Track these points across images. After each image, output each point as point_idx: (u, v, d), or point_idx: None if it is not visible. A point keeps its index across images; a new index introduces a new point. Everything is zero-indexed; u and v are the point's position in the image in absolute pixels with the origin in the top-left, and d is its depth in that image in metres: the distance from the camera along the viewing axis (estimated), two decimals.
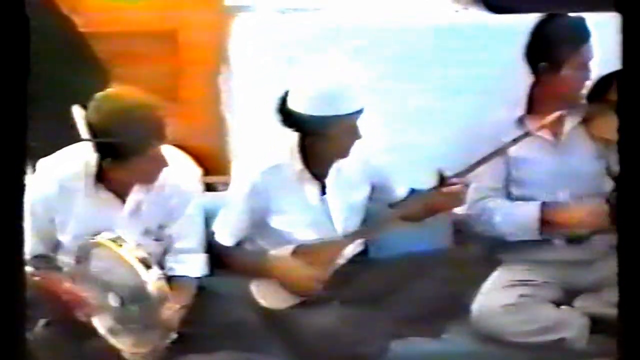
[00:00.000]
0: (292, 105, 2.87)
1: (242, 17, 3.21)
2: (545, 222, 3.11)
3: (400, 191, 3.11)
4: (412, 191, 3.11)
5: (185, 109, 3.26)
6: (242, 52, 3.23)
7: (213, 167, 3.24)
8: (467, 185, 3.00)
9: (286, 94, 2.89)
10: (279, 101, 2.89)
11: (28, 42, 0.95)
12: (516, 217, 3.13)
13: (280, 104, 2.89)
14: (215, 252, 2.96)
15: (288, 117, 2.88)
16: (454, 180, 2.96)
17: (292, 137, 2.93)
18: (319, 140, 2.90)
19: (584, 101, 3.17)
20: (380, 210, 3.10)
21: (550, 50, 3.10)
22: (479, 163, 3.01)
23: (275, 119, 2.89)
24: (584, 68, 3.10)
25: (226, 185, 3.21)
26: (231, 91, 3.28)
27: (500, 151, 3.06)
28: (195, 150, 3.00)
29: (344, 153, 2.94)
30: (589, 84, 3.13)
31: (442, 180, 2.98)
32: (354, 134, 2.87)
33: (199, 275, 2.91)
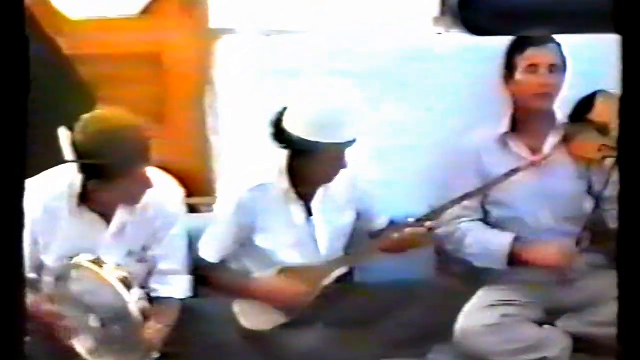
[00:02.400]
0: (287, 124, 2.89)
1: (227, 40, 3.23)
2: (513, 257, 3.15)
3: (382, 221, 3.14)
4: (392, 223, 3.13)
5: (170, 130, 3.28)
6: (226, 74, 3.24)
7: (197, 189, 3.26)
8: (439, 225, 3.03)
9: (283, 110, 2.91)
10: (275, 117, 2.91)
11: (28, 62, 0.97)
12: (486, 245, 3.17)
13: (275, 120, 2.91)
14: (199, 270, 2.97)
15: (280, 135, 2.90)
16: (428, 219, 2.98)
17: (280, 156, 2.95)
18: (307, 163, 2.92)
19: (562, 118, 3.22)
20: (362, 239, 3.13)
21: (507, 57, 3.20)
22: (464, 198, 3.04)
23: (267, 133, 2.90)
24: (535, 72, 3.15)
25: (209, 206, 3.23)
26: (216, 113, 3.29)
27: (488, 186, 3.09)
28: (180, 172, 3.02)
29: (328, 179, 2.97)
30: (554, 92, 3.18)
31: (420, 218, 3.00)
32: (341, 163, 2.90)
33: (182, 297, 2.91)
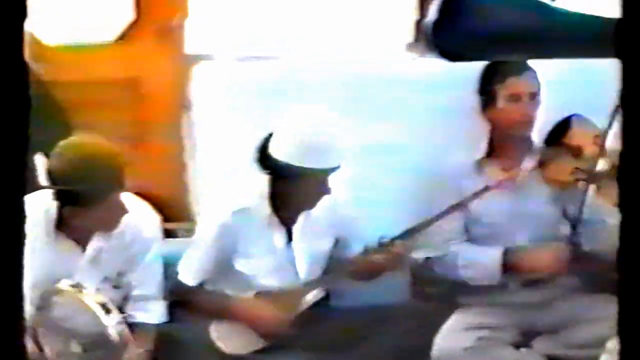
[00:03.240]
0: (272, 149, 2.91)
1: (203, 66, 3.25)
2: (507, 268, 3.16)
3: (356, 247, 3.15)
4: (365, 250, 3.14)
5: (147, 156, 3.28)
6: (203, 100, 3.26)
7: (174, 214, 3.26)
8: (409, 248, 3.04)
9: (269, 136, 2.93)
10: (261, 142, 2.94)
11: (27, 87, 0.98)
12: (478, 262, 3.17)
13: (261, 145, 2.93)
14: (177, 293, 2.98)
15: (265, 160, 2.92)
16: (398, 241, 3.01)
17: (262, 181, 2.97)
18: (290, 188, 2.95)
19: (537, 142, 3.25)
20: (338, 264, 3.14)
21: (485, 84, 3.22)
22: (437, 217, 3.07)
23: (252, 158, 2.93)
24: (517, 100, 3.18)
25: (187, 231, 3.24)
26: (193, 138, 3.30)
27: (458, 206, 3.12)
28: (157, 197, 3.03)
29: (310, 204, 2.99)
30: (534, 119, 3.21)
31: (393, 240, 3.02)
32: (324, 189, 2.93)
33: (158, 322, 2.92)
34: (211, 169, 3.28)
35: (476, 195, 3.08)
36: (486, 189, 3.08)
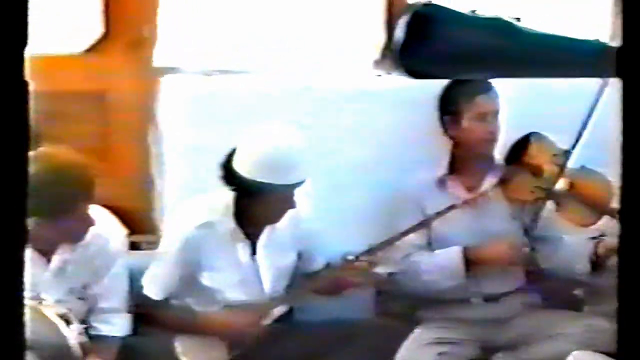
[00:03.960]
0: (236, 165, 2.91)
1: (170, 79, 3.26)
2: (468, 263, 3.19)
3: (318, 263, 3.18)
4: (327, 265, 3.17)
5: (113, 168, 3.28)
6: (169, 113, 3.26)
7: (139, 226, 3.26)
8: (373, 264, 3.05)
9: (233, 151, 2.94)
10: (225, 158, 2.93)
11: (27, 105, 0.99)
12: (440, 264, 3.19)
13: (225, 161, 2.93)
14: (142, 307, 2.98)
15: (230, 176, 2.92)
16: (362, 258, 3.02)
17: (227, 195, 2.97)
18: (255, 203, 2.95)
19: (498, 160, 3.30)
20: (302, 278, 3.16)
21: (450, 103, 3.26)
22: (402, 235, 3.09)
23: (217, 174, 2.93)
24: (484, 119, 3.23)
25: (151, 244, 3.24)
26: (159, 151, 3.31)
27: (422, 224, 3.15)
28: (122, 209, 3.03)
29: (275, 219, 3.01)
30: (497, 137, 3.26)
31: (356, 256, 3.04)
32: (289, 204, 2.93)
33: (122, 335, 2.92)
34: (177, 183, 3.28)
35: (440, 214, 3.12)
36: (450, 208, 3.11)
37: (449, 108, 3.27)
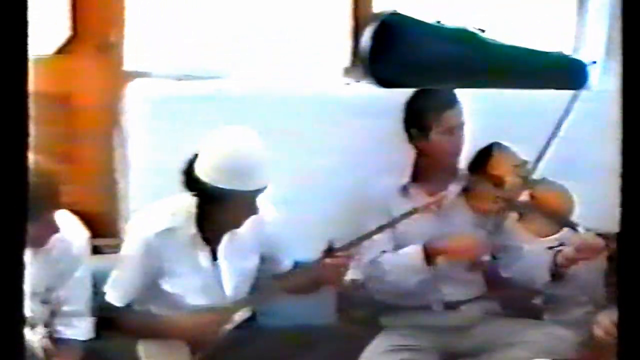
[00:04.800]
0: (198, 171, 2.90)
1: (137, 83, 3.25)
2: (429, 256, 3.20)
3: (286, 264, 3.19)
4: (296, 264, 3.19)
5: (77, 171, 3.27)
6: (135, 117, 3.26)
7: (102, 230, 3.25)
8: (348, 259, 3.04)
9: (195, 157, 2.92)
10: (186, 163, 2.92)
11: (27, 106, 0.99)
12: (402, 261, 3.21)
13: (186, 167, 2.92)
14: (104, 312, 2.97)
15: (191, 181, 2.91)
16: (336, 254, 3.00)
17: (189, 201, 2.96)
18: (217, 209, 2.94)
19: (461, 168, 3.34)
20: (266, 281, 3.16)
21: (418, 117, 3.28)
22: (365, 237, 3.09)
23: (179, 179, 2.92)
24: (451, 132, 3.26)
25: (112, 247, 3.23)
26: (124, 155, 3.30)
27: (385, 227, 3.17)
28: (85, 213, 3.01)
29: (237, 224, 3.00)
30: (462, 149, 3.29)
31: (325, 254, 3.03)
32: (251, 209, 2.92)
33: (85, 339, 2.91)
34: (141, 187, 3.27)
35: (403, 217, 3.14)
36: (413, 211, 3.14)
37: (416, 121, 3.29)
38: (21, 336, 0.99)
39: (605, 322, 2.73)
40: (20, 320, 0.98)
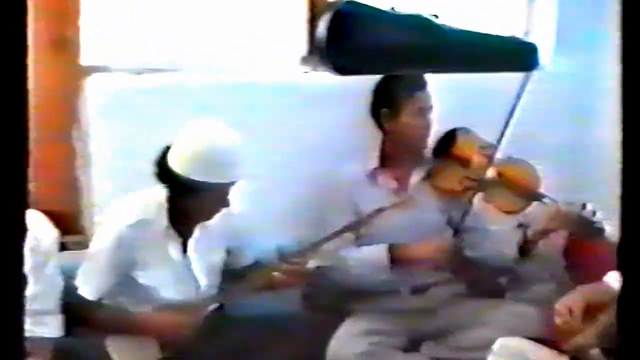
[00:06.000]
0: (171, 162, 2.88)
1: (96, 77, 3.21)
2: (394, 259, 3.24)
3: (248, 259, 3.20)
4: (256, 262, 3.19)
5: (37, 168, 3.21)
6: (96, 112, 3.21)
7: (65, 227, 3.20)
8: (305, 264, 3.07)
9: (168, 148, 2.91)
10: (159, 154, 2.90)
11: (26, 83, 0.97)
12: (366, 260, 3.25)
13: (159, 158, 2.90)
14: (74, 308, 2.92)
15: (164, 173, 2.90)
16: (296, 260, 3.04)
17: (160, 193, 2.95)
18: (189, 201, 2.93)
19: (427, 152, 3.37)
20: (234, 275, 3.16)
21: (390, 98, 3.30)
22: (334, 235, 3.12)
23: (151, 171, 2.90)
24: (422, 114, 3.30)
25: (78, 244, 3.19)
26: (85, 150, 3.25)
27: (354, 225, 3.19)
28: (48, 210, 2.96)
29: (208, 217, 3.00)
30: (431, 132, 3.33)
31: (285, 257, 3.07)
32: (223, 202, 2.92)
33: (56, 336, 2.86)
34: (105, 182, 3.23)
35: (372, 216, 3.15)
36: (383, 209, 3.15)
37: (387, 102, 3.31)
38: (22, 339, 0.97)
39: (562, 310, 2.78)
40: (20, 326, 0.97)
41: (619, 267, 0.94)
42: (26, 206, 0.94)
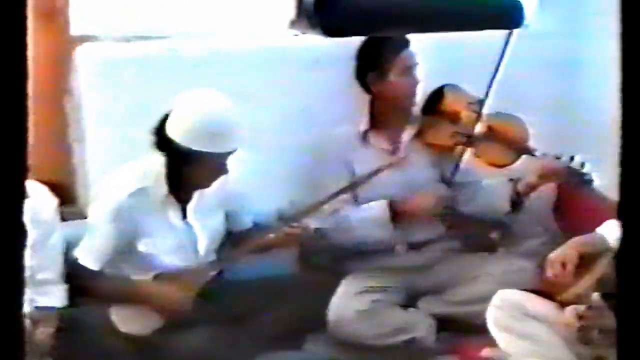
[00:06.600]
0: (169, 131, 2.90)
1: (86, 47, 3.20)
2: (395, 214, 3.28)
3: (246, 222, 3.22)
4: (255, 225, 3.22)
5: (32, 141, 3.21)
6: (87, 81, 3.21)
7: (60, 197, 3.21)
8: (306, 229, 3.10)
9: (166, 117, 2.92)
10: (157, 123, 2.91)
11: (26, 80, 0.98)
12: (368, 217, 3.27)
13: (157, 126, 2.91)
14: (76, 278, 2.94)
15: (162, 141, 2.91)
16: (295, 222, 3.08)
17: (158, 161, 2.96)
18: (187, 169, 2.95)
19: (417, 111, 3.40)
20: (232, 240, 3.19)
21: (376, 60, 3.32)
22: (329, 199, 3.14)
23: (149, 139, 2.91)
24: (409, 73, 3.32)
25: (74, 214, 3.19)
26: (78, 120, 3.26)
27: (351, 187, 3.22)
28: (42, 182, 2.97)
29: (207, 184, 3.02)
30: (418, 92, 3.36)
31: (285, 219, 3.10)
32: (221, 170, 2.95)
33: (60, 306, 2.88)
34: (99, 151, 3.24)
35: (369, 176, 3.18)
36: (379, 170, 3.18)
37: (374, 63, 3.33)
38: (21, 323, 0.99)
39: (555, 262, 2.83)
40: (19, 305, 0.98)
41: (619, 220, 0.94)
42: (26, 175, 0.95)
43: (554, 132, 3.42)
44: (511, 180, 3.29)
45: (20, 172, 0.96)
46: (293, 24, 3.94)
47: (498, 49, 3.25)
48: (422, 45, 3.36)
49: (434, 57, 3.40)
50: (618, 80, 0.94)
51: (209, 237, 3.10)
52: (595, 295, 2.63)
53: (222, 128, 2.88)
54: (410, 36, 3.34)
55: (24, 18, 0.95)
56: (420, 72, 3.33)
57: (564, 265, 2.80)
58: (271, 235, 3.11)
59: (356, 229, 3.28)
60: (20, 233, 0.95)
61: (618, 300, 0.96)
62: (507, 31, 3.28)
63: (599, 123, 3.66)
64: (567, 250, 2.83)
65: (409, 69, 3.30)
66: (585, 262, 2.81)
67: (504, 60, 3.23)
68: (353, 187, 3.24)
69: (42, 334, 2.69)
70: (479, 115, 3.28)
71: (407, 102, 3.35)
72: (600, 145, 3.42)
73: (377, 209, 3.28)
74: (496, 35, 3.53)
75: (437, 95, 3.40)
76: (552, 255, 2.85)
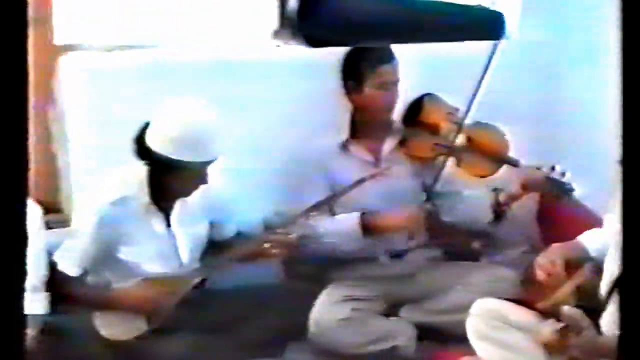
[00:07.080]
0: (149, 140, 2.92)
1: (71, 56, 3.22)
2: (366, 228, 3.29)
3: (230, 231, 3.24)
4: (239, 234, 3.24)
5: None
6: (71, 91, 3.23)
7: (44, 205, 3.22)
8: (291, 236, 3.11)
9: (146, 126, 2.94)
10: (138, 132, 2.93)
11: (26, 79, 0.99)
12: (338, 229, 3.29)
13: (138, 136, 2.93)
14: (59, 285, 2.95)
15: (143, 150, 2.93)
16: (281, 231, 3.09)
17: (140, 170, 2.98)
18: (168, 178, 2.97)
19: (397, 122, 3.42)
20: (216, 248, 3.21)
21: (354, 70, 3.34)
22: (313, 208, 3.16)
23: (130, 148, 2.93)
24: (385, 87, 3.33)
25: (58, 223, 3.21)
26: (61, 130, 3.27)
27: (333, 198, 3.23)
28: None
29: (188, 193, 3.04)
30: (397, 104, 3.37)
31: (271, 227, 3.13)
32: (201, 179, 2.96)
33: (42, 313, 2.90)
34: (83, 161, 3.26)
35: (350, 188, 3.20)
36: (361, 181, 3.19)
37: (352, 74, 3.35)
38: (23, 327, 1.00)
39: (545, 263, 2.84)
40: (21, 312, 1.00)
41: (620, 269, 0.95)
42: (27, 181, 0.96)
43: (535, 142, 3.44)
44: (494, 190, 3.31)
45: (21, 179, 0.97)
46: (276, 34, 3.94)
47: (482, 59, 3.28)
48: (405, 56, 3.39)
49: (416, 67, 3.43)
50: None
51: (192, 245, 3.12)
52: (573, 309, 2.64)
53: (201, 137, 2.89)
54: (394, 47, 3.36)
55: (24, 25, 0.97)
56: (402, 88, 3.35)
57: (553, 264, 2.80)
58: (254, 244, 3.12)
59: (326, 239, 3.29)
60: (22, 238, 0.96)
61: (620, 300, 0.97)
62: (491, 43, 3.32)
63: (578, 133, 3.72)
64: (554, 254, 2.85)
65: (385, 85, 3.31)
66: (567, 268, 2.83)
67: (488, 72, 3.25)
68: (336, 198, 3.25)
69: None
70: (459, 126, 3.30)
71: (382, 116, 3.37)
72: (581, 155, 3.49)
73: (348, 222, 3.29)
74: (481, 46, 3.56)
75: (416, 106, 3.42)
76: (539, 258, 2.87)
